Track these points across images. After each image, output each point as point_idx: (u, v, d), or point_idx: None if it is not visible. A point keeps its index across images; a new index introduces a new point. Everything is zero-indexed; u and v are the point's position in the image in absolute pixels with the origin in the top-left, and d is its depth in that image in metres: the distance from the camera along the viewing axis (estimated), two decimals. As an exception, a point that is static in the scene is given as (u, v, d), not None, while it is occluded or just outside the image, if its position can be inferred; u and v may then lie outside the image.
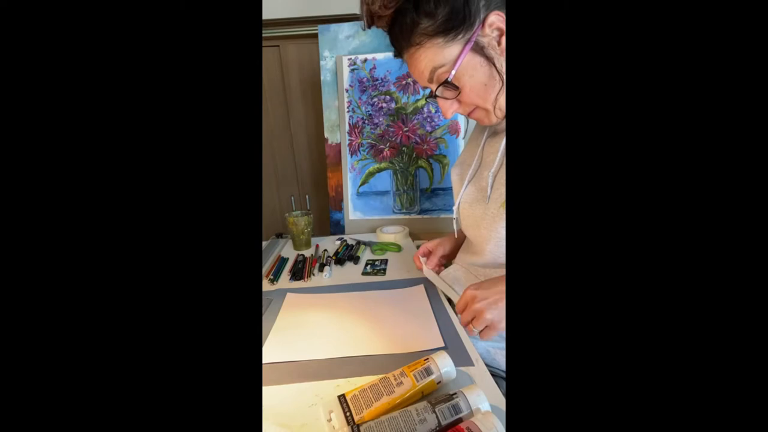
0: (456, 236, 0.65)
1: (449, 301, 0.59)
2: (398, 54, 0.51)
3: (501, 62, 0.46)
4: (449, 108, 0.51)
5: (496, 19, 0.44)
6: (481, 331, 0.46)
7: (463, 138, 0.97)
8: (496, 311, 0.45)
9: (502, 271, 0.53)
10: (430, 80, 0.49)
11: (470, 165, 0.59)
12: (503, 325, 0.45)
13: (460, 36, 0.45)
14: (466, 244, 0.63)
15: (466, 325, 0.47)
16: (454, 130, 0.97)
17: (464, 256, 0.61)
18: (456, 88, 0.48)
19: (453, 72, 0.46)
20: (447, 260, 0.68)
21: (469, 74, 0.47)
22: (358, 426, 0.33)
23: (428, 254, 0.68)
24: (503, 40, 0.45)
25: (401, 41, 0.48)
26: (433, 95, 0.50)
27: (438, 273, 0.65)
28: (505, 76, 0.46)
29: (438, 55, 0.46)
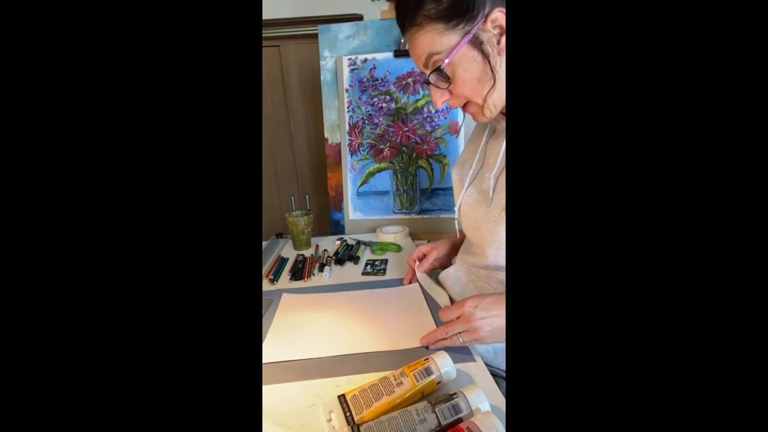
0: (458, 236, 0.65)
1: (451, 299, 0.59)
2: (402, 32, 0.51)
3: (497, 61, 0.46)
4: (440, 98, 0.51)
5: (500, 16, 0.44)
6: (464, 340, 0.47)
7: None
8: (490, 329, 0.45)
9: (503, 275, 0.53)
10: (425, 65, 0.49)
11: (471, 165, 0.59)
12: (493, 339, 0.46)
13: (460, 26, 0.45)
14: (466, 245, 0.63)
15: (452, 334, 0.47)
16: (454, 130, 0.97)
17: (465, 257, 0.60)
18: (448, 78, 0.48)
19: (446, 61, 0.46)
20: (440, 264, 0.68)
21: (464, 67, 0.47)
22: (358, 426, 0.33)
23: (422, 258, 0.68)
24: (503, 39, 0.45)
25: (405, 19, 0.48)
26: (427, 81, 0.50)
27: (430, 275, 0.66)
28: (498, 75, 0.47)
29: (436, 40, 0.46)
